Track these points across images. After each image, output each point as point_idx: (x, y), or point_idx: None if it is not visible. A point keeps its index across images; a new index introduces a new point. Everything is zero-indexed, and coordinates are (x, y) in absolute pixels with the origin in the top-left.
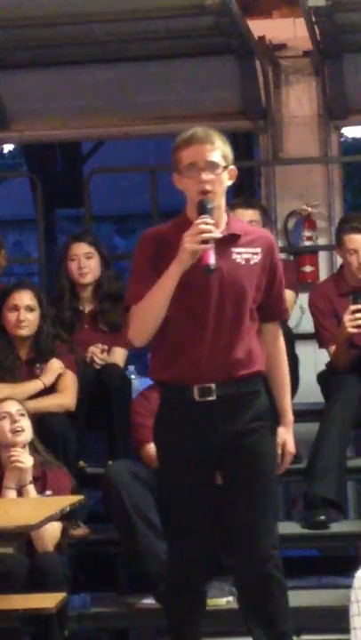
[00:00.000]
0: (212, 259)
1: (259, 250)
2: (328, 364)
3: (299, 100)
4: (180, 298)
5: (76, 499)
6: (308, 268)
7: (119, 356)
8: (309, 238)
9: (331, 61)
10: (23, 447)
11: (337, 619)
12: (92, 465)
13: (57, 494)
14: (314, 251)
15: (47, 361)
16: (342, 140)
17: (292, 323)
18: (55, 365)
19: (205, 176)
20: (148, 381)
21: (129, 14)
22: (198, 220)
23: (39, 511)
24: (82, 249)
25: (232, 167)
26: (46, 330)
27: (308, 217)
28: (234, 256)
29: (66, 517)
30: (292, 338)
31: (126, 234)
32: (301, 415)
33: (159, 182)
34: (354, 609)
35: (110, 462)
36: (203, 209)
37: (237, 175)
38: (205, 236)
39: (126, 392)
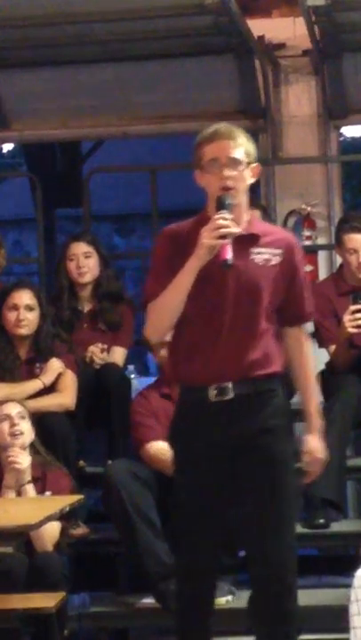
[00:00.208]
0: (229, 254)
1: (279, 251)
2: (328, 364)
3: (298, 100)
4: (196, 296)
5: (75, 498)
6: (307, 268)
7: (119, 355)
8: (309, 238)
9: (330, 61)
10: (24, 449)
11: (337, 618)
12: (91, 464)
13: (56, 495)
14: (313, 250)
15: (47, 360)
16: (342, 139)
17: None
18: (55, 365)
19: (227, 172)
20: (147, 381)
21: (128, 14)
22: (216, 216)
23: (39, 511)
24: (81, 248)
25: (255, 164)
26: (46, 329)
27: (307, 216)
28: (253, 256)
29: (65, 517)
30: None
31: (126, 233)
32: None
33: (159, 182)
34: (353, 608)
35: (110, 462)
36: (221, 205)
37: None
38: (224, 231)
39: (126, 391)
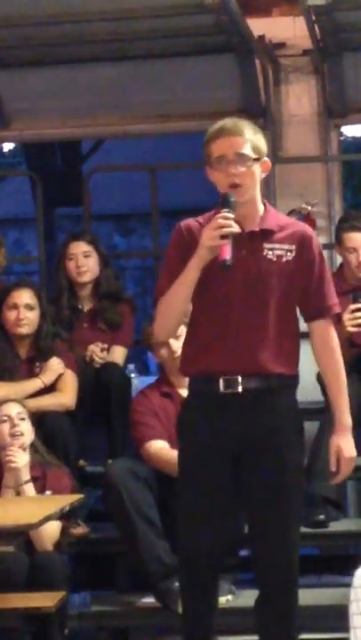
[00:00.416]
0: (228, 254)
1: (294, 247)
2: None
3: (298, 99)
4: (206, 291)
5: (75, 498)
6: None
7: (119, 354)
8: None
9: (330, 60)
10: (24, 449)
11: (337, 617)
12: (92, 464)
13: (57, 494)
14: None
15: (47, 360)
16: (342, 138)
17: None
18: (55, 364)
19: (234, 169)
20: (147, 380)
21: (128, 13)
22: (218, 215)
23: (39, 510)
24: (80, 248)
25: (265, 159)
26: (46, 328)
27: (307, 215)
28: (265, 252)
29: (66, 516)
30: None
31: (126, 233)
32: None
33: (159, 181)
34: (353, 608)
35: (110, 461)
36: (225, 203)
37: None
38: (224, 230)
39: (126, 390)
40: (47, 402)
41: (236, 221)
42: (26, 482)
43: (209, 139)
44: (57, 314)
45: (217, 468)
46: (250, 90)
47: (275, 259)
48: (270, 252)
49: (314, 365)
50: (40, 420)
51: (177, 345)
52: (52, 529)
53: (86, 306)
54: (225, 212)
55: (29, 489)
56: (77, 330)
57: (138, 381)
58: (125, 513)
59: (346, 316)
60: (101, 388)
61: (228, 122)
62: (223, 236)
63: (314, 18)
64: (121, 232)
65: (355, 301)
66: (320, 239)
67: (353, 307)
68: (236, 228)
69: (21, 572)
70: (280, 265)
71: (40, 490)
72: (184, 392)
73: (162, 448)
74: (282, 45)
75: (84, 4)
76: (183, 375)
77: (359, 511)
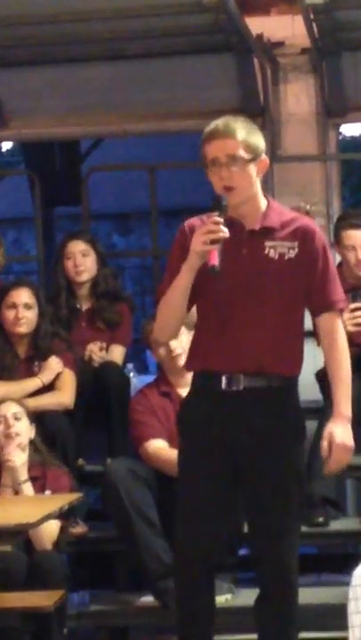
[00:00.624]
0: (217, 260)
1: (296, 243)
2: None
3: (297, 98)
4: (207, 291)
5: (74, 497)
6: None
7: (117, 353)
8: None
9: (329, 59)
10: (22, 449)
11: (336, 616)
12: (90, 463)
13: (56, 494)
14: None
15: (46, 359)
16: (341, 137)
17: None
18: (54, 363)
19: (226, 172)
20: (146, 379)
21: (127, 12)
22: (208, 220)
23: (38, 509)
24: (78, 247)
25: (263, 157)
26: (44, 328)
27: (306, 215)
28: (267, 250)
29: (65, 515)
30: None
31: (125, 232)
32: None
33: (158, 180)
34: (352, 606)
35: (109, 460)
36: (216, 206)
37: None
38: (212, 236)
39: (125, 390)
40: (46, 401)
41: (235, 222)
42: (24, 481)
43: (203, 140)
44: (55, 313)
45: (217, 466)
46: (248, 89)
47: (276, 257)
48: (272, 250)
49: (314, 364)
50: (39, 419)
51: (175, 344)
52: (51, 528)
53: (85, 305)
54: (215, 217)
55: (28, 488)
56: (76, 329)
57: (137, 380)
58: (124, 512)
59: (345, 315)
60: (100, 388)
61: (219, 123)
62: (213, 241)
63: (312, 17)
64: (120, 231)
65: (354, 301)
66: None
67: (352, 306)
68: (225, 233)
69: (20, 571)
70: (282, 263)
71: (40, 490)
72: (183, 391)
73: (161, 447)
74: (280, 44)
75: (83, 3)
76: (187, 370)
77: (358, 510)
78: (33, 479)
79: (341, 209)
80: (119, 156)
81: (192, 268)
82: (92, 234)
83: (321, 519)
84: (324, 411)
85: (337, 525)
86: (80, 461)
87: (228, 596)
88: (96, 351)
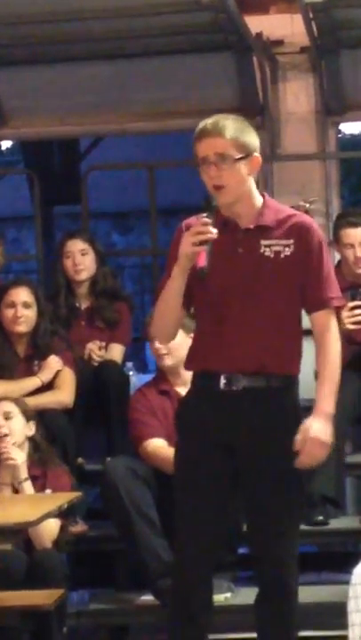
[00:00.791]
0: (205, 262)
1: (292, 241)
2: None
3: (296, 97)
4: (204, 291)
5: (73, 496)
6: None
7: (117, 352)
8: None
9: (328, 57)
10: (19, 447)
11: (336, 615)
12: (90, 462)
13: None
14: None
15: (45, 358)
16: (340, 136)
17: None
18: (53, 362)
19: (215, 171)
20: (146, 377)
21: (126, 11)
22: (197, 222)
23: (37, 508)
24: (77, 246)
25: (255, 155)
26: (44, 326)
27: (305, 213)
28: (262, 249)
29: (64, 514)
30: None
31: (124, 231)
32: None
33: (157, 179)
34: (352, 605)
35: (109, 459)
36: (206, 206)
37: None
38: (201, 237)
39: (124, 388)
40: (45, 400)
41: (229, 221)
42: (24, 479)
43: (194, 139)
44: (55, 312)
45: (217, 466)
46: (248, 87)
47: (272, 255)
48: (267, 249)
49: (313, 363)
50: (38, 418)
51: (158, 344)
52: (51, 527)
53: (84, 304)
54: (204, 218)
55: (28, 487)
56: (75, 328)
57: (136, 379)
58: (124, 511)
59: (345, 314)
60: (100, 386)
61: (209, 122)
62: (202, 242)
63: (311, 15)
64: (119, 230)
65: (353, 299)
66: None
67: (351, 304)
68: (213, 234)
69: (20, 570)
70: (278, 261)
71: (40, 489)
72: (181, 390)
73: (160, 446)
74: (280, 43)
75: (82, 2)
76: (187, 370)
77: (358, 508)
78: (33, 478)
79: (341, 208)
80: (118, 155)
81: (183, 269)
82: (92, 232)
83: (321, 518)
84: None
85: (337, 524)
86: (79, 460)
87: (228, 595)
88: (95, 350)
